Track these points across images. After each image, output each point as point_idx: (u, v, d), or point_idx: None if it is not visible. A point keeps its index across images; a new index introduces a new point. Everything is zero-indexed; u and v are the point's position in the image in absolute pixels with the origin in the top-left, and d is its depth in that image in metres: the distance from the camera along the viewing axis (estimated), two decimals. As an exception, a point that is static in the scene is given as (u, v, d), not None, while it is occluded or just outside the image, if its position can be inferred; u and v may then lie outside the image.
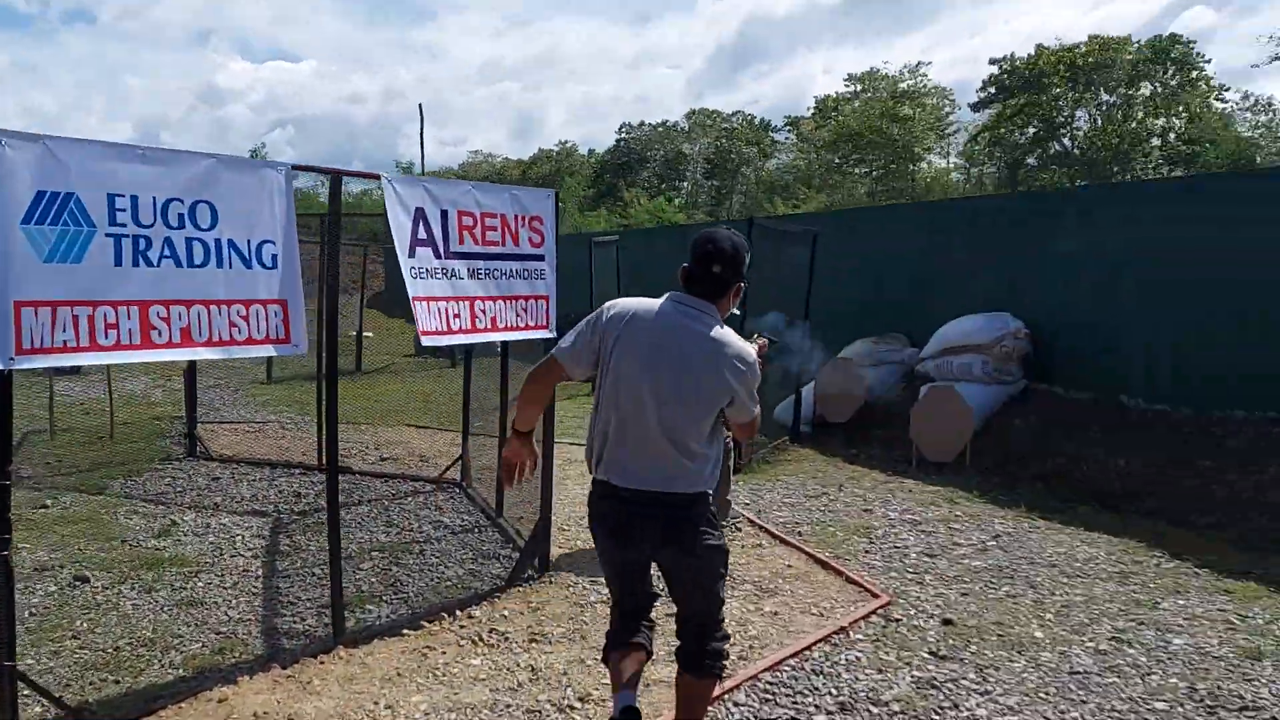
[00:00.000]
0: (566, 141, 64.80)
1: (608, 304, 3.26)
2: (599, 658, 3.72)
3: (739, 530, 6.42)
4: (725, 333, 3.11)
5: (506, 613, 5.00)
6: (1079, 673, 4.18)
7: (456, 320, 4.83)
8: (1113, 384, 8.25)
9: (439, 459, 8.60)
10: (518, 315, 5.22)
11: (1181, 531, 6.38)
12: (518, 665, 4.34)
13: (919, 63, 62.38)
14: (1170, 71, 38.46)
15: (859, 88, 48.79)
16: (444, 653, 4.50)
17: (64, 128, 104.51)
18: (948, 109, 46.64)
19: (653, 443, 3.06)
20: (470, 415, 8.02)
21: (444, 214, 4.83)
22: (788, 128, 54.95)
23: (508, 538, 6.22)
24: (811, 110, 52.10)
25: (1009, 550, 5.95)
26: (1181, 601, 5.01)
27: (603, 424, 3.17)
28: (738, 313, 7.81)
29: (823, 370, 10.38)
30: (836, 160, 44.75)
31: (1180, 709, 3.83)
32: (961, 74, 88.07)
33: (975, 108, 44.06)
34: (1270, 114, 39.53)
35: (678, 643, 3.35)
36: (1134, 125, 38.16)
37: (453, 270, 4.86)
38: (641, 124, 61.11)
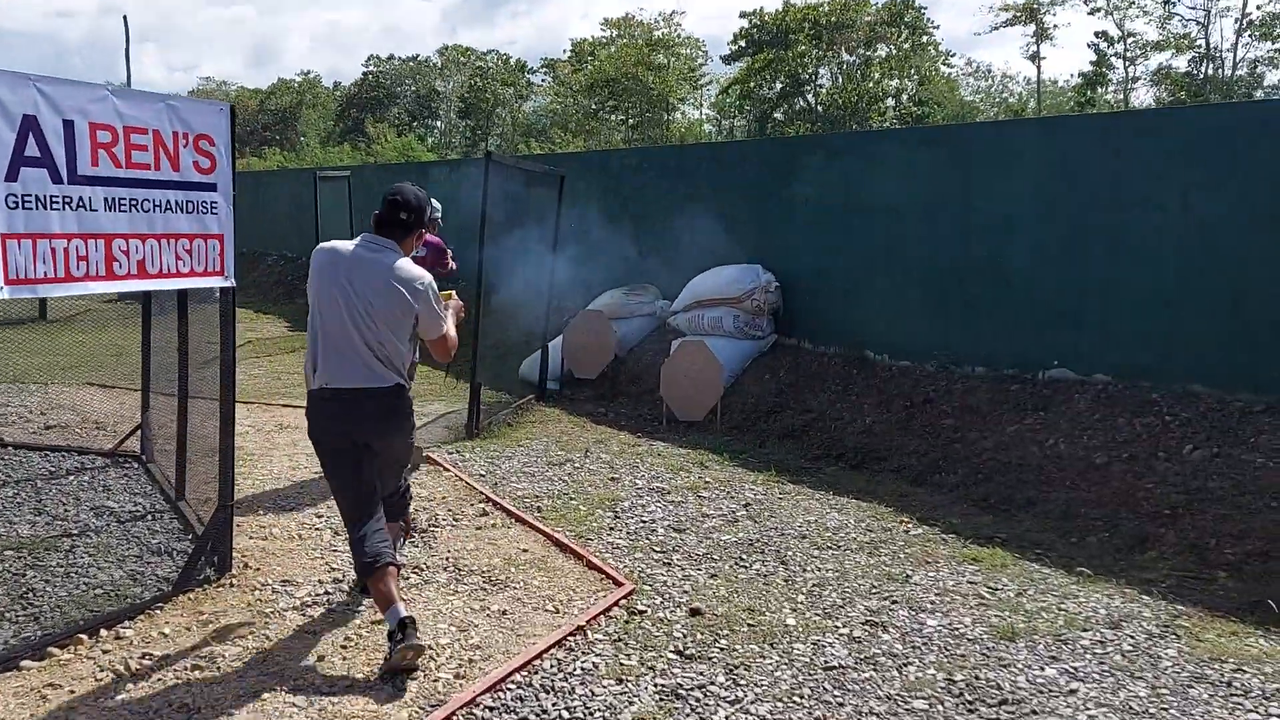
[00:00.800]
0: (309, 72, 60.71)
1: (317, 249, 3.95)
2: (283, 688, 3.56)
3: (470, 512, 5.67)
4: (404, 263, 3.89)
5: (169, 629, 4.01)
6: (834, 668, 3.75)
7: (83, 264, 3.71)
8: (858, 338, 8.12)
9: (121, 425, 7.24)
10: (179, 258, 4.15)
11: (925, 493, 6.25)
12: (170, 706, 3.39)
13: (674, 11, 62.80)
14: (904, 35, 40.57)
15: (615, 33, 48.37)
16: (72, 692, 3.48)
17: None
18: (701, 60, 47.17)
19: (357, 352, 3.80)
20: (153, 373, 6.72)
21: (68, 125, 3.68)
22: (544, 70, 53.83)
23: (188, 527, 5.15)
24: (568, 53, 51.26)
25: (759, 520, 5.56)
26: (932, 574, 4.75)
27: (317, 343, 3.86)
28: (455, 267, 7.03)
29: (571, 323, 9.74)
30: (593, 106, 44.22)
31: (940, 706, 3.47)
32: (714, 29, 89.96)
33: (726, 60, 44.80)
34: (989, 80, 42.71)
35: None
36: (871, 85, 40.04)
37: (81, 199, 3.73)
38: (391, 57, 58.17)
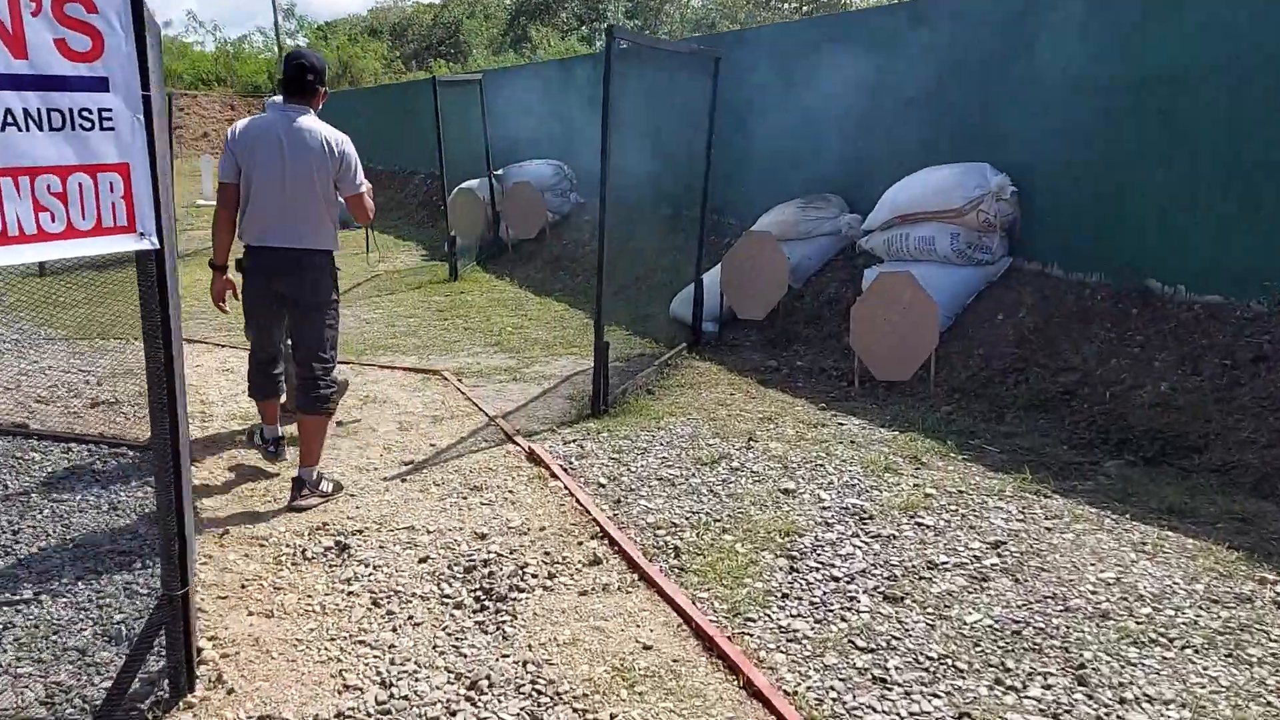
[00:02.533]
0: None
1: (231, 127, 4.30)
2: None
3: (577, 559, 3.88)
4: (318, 123, 4.30)
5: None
6: None
7: None
8: (1135, 261, 5.75)
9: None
10: (39, 209, 2.45)
11: (1283, 514, 4.02)
12: None
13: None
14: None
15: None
16: None
17: None
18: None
19: (286, 212, 4.23)
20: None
21: None
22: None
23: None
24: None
25: (1022, 577, 3.52)
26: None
27: (251, 208, 4.26)
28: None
29: (732, 249, 7.73)
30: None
31: None
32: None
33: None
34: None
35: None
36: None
37: None
38: None
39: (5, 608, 3.43)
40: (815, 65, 8.10)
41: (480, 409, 5.78)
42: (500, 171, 12.62)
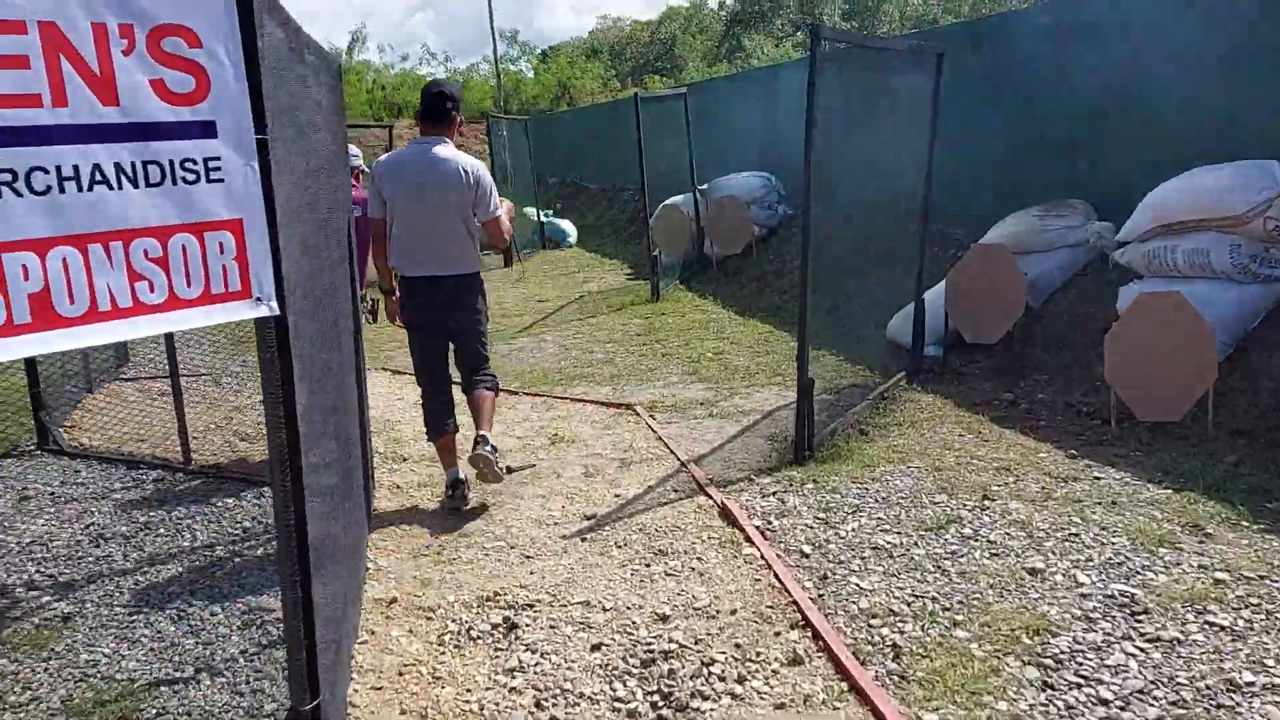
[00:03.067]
0: None
1: (374, 164, 4.65)
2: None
3: (773, 655, 3.28)
4: (455, 152, 4.51)
5: None
6: None
7: None
8: None
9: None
10: (136, 277, 2.14)
11: None
12: None
13: None
14: None
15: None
16: None
17: None
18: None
19: (432, 240, 4.48)
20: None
21: None
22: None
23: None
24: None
25: (1374, 716, 2.62)
26: None
27: (399, 239, 4.52)
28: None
29: (959, 264, 6.87)
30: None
31: None
32: None
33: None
34: None
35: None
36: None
37: None
38: None
39: (161, 686, 3.24)
40: (1062, 60, 7.10)
41: (672, 451, 5.29)
42: (705, 186, 12.17)
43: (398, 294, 4.75)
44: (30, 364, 5.96)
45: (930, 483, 4.57)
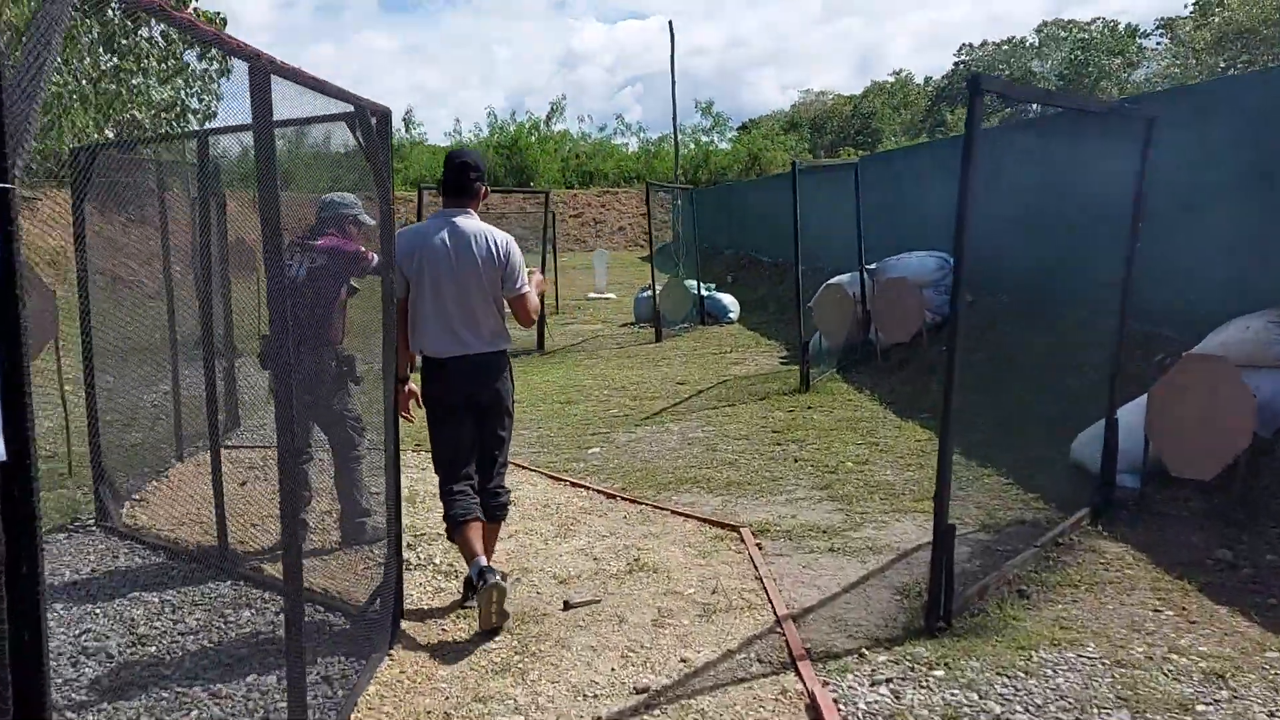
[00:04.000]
0: (900, 71, 60.49)
1: (397, 236, 4.03)
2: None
3: None
4: (481, 224, 4.20)
5: None
6: None
7: None
8: None
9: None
10: None
11: None
12: None
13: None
14: None
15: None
16: None
17: (447, 101, 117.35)
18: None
19: (460, 318, 4.11)
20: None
21: None
22: (1159, 31, 45.81)
23: None
24: (1190, 7, 42.41)
25: None
26: None
27: (423, 317, 4.12)
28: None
29: (1165, 376, 5.50)
30: (1221, 64, 35.44)
31: None
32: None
33: None
34: None
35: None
36: None
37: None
38: (984, 43, 54.69)
39: None
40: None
41: (769, 599, 4.23)
42: (874, 265, 11.05)
43: (410, 385, 4.29)
44: (93, 430, 5.60)
45: (1106, 686, 3.32)
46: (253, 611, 4.29)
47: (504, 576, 4.10)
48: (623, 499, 5.91)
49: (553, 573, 4.72)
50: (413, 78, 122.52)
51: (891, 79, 61.32)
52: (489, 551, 4.22)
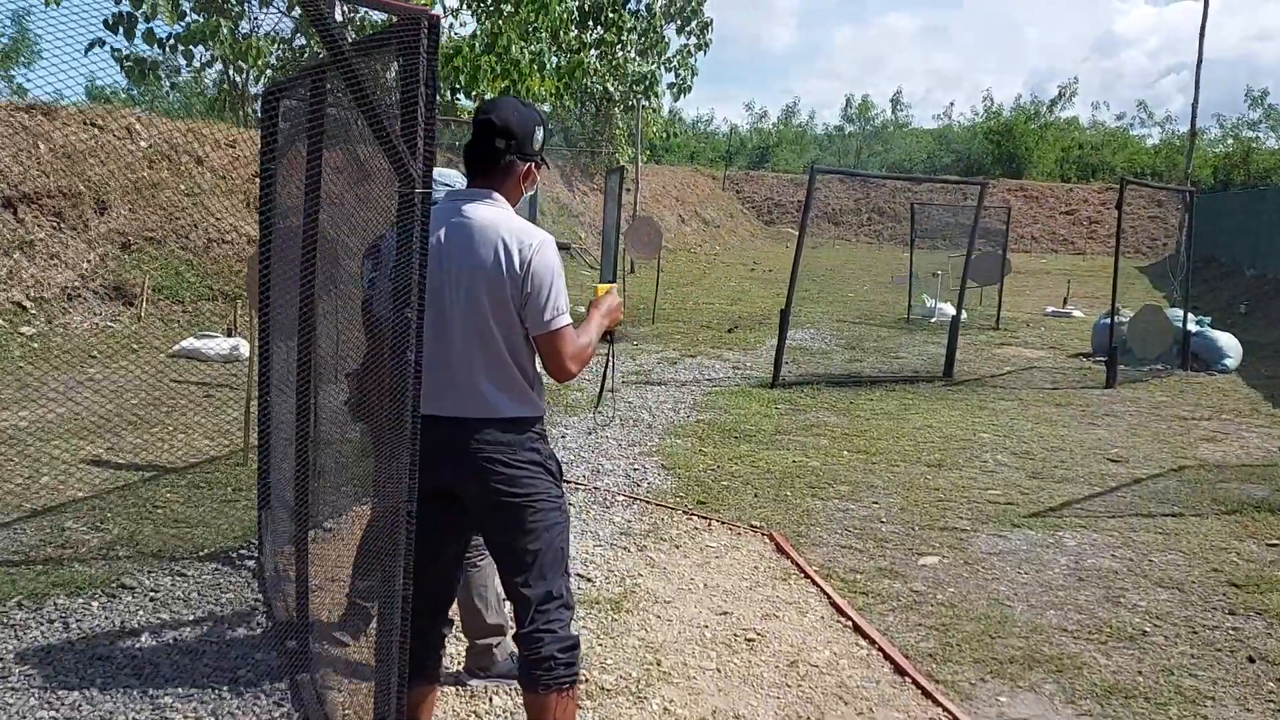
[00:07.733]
0: None
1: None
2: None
3: None
4: (500, 215, 2.57)
5: None
6: None
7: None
8: None
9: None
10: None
11: None
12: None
13: None
14: None
15: None
16: None
17: (959, 85, 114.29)
18: None
19: (451, 360, 2.56)
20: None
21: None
22: None
23: None
24: None
25: None
26: None
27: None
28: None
29: None
30: None
31: None
32: None
33: None
34: None
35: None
36: None
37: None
38: None
39: None
40: None
41: None
42: None
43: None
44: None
45: None
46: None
47: None
48: (915, 684, 3.71)
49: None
50: (929, 62, 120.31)
51: None
52: None
